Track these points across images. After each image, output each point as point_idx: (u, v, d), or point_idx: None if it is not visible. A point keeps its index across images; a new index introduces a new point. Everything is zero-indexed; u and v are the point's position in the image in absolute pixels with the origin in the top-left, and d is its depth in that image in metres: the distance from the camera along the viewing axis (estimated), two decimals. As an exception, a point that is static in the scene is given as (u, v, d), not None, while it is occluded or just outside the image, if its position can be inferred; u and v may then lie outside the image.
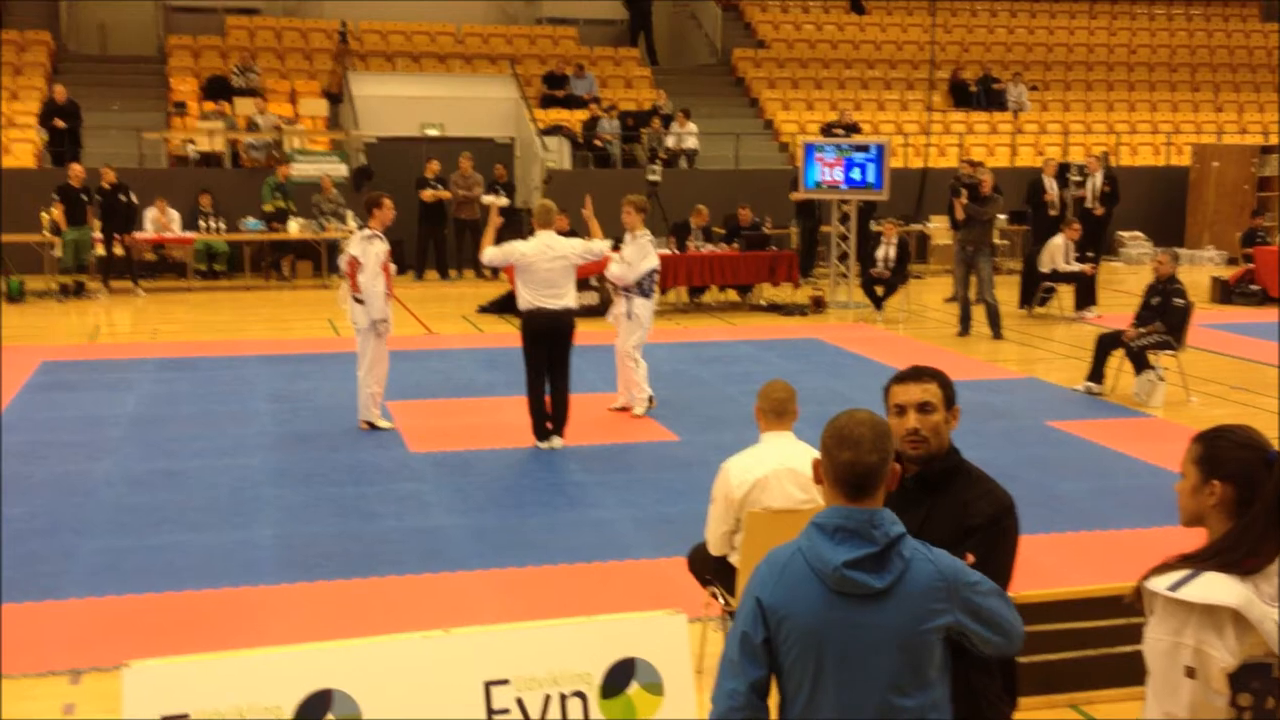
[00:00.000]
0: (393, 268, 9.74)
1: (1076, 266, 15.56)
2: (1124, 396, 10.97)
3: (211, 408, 10.31)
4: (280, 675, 3.57)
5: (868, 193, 16.43)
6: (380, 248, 9.36)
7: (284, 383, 11.34)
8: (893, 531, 2.83)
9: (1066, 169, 19.37)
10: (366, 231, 9.44)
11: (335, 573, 6.58)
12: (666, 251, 15.17)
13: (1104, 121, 24.62)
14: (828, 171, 16.31)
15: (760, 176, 20.58)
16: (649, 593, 6.28)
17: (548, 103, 22.24)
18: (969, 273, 14.41)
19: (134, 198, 16.91)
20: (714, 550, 5.23)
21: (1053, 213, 17.58)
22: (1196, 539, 2.84)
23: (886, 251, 15.79)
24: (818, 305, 16.24)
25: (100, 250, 16.88)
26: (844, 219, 16.86)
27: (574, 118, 21.72)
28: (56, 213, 16.50)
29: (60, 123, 18.62)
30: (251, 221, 18.41)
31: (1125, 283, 18.59)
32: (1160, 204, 22.65)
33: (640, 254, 9.98)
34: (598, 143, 21.05)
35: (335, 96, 21.53)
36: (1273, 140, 23.29)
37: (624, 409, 10.24)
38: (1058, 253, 15.49)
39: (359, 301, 9.37)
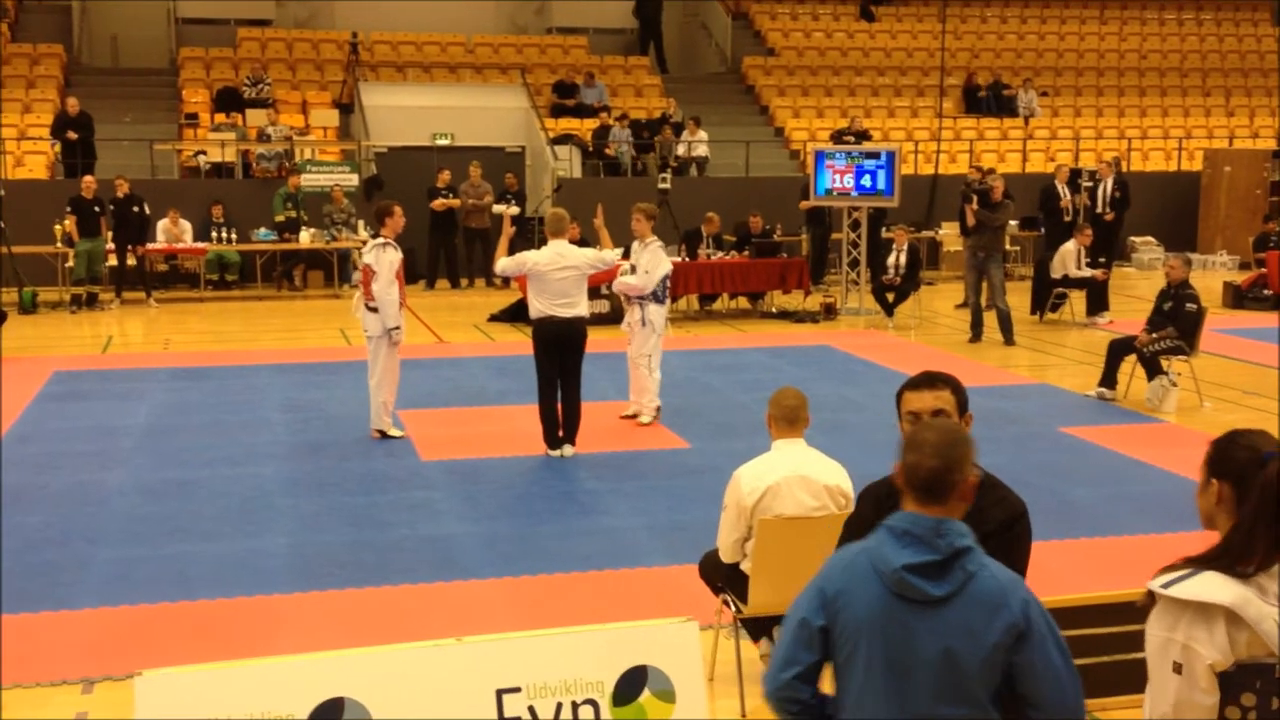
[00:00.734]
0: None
1: (1088, 272, 15.53)
2: (1136, 402, 10.93)
3: (223, 417, 10.33)
4: (292, 684, 3.58)
5: (878, 199, 16.41)
6: (394, 255, 9.37)
7: (296, 392, 11.36)
8: (958, 543, 2.83)
9: (1078, 175, 19.33)
10: (379, 240, 9.46)
11: (347, 581, 6.59)
12: (677, 259, 15.16)
13: (1115, 127, 24.56)
14: (838, 179, 16.29)
15: (771, 184, 20.57)
16: (661, 600, 6.26)
17: (558, 112, 22.29)
18: (980, 279, 14.38)
19: (146, 209, 16.96)
20: (726, 558, 5.22)
21: (1066, 219, 17.55)
22: (1210, 544, 2.84)
23: (897, 258, 15.78)
24: (829, 312, 16.23)
25: (113, 261, 16.95)
26: (855, 226, 16.84)
27: (584, 126, 21.76)
28: (69, 224, 16.61)
29: (73, 135, 18.68)
30: (263, 232, 18.48)
31: (1137, 288, 18.54)
32: (1172, 209, 22.59)
33: (655, 260, 9.95)
34: (608, 151, 21.08)
35: (346, 107, 21.59)
36: (1285, 144, 23.25)
37: (634, 416, 10.24)
38: (1069, 258, 15.47)
39: (372, 310, 9.38)
